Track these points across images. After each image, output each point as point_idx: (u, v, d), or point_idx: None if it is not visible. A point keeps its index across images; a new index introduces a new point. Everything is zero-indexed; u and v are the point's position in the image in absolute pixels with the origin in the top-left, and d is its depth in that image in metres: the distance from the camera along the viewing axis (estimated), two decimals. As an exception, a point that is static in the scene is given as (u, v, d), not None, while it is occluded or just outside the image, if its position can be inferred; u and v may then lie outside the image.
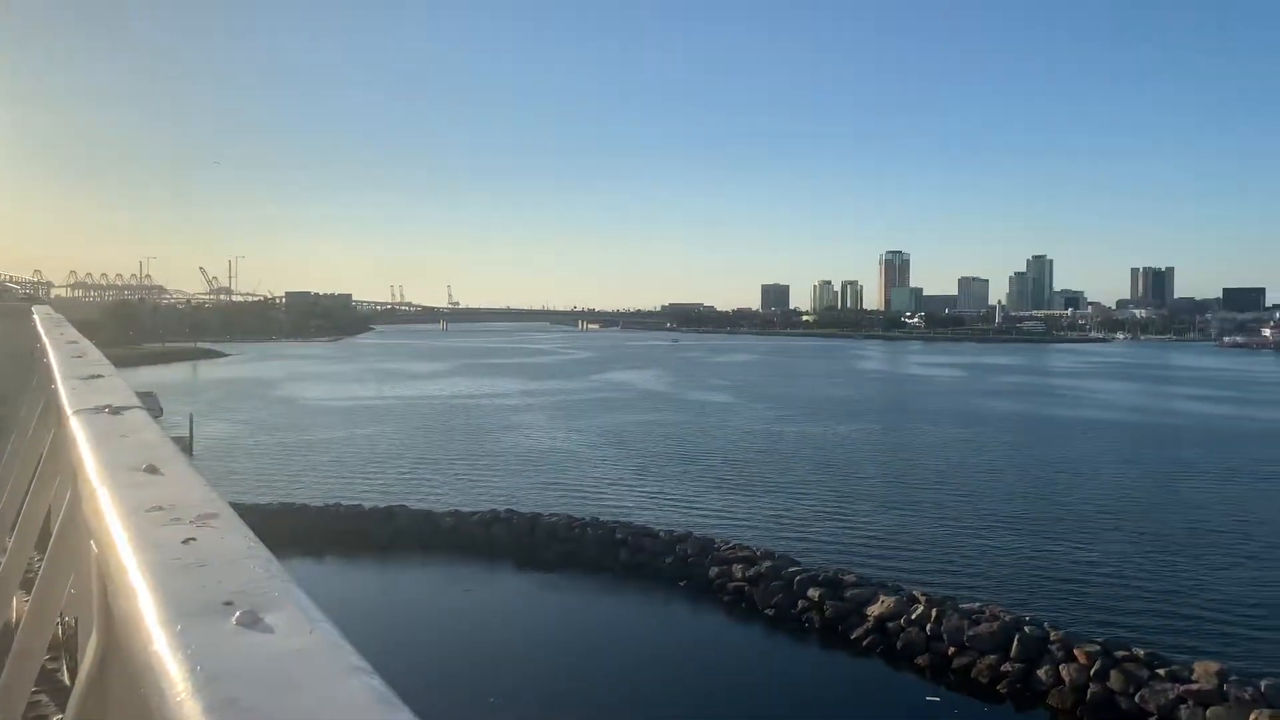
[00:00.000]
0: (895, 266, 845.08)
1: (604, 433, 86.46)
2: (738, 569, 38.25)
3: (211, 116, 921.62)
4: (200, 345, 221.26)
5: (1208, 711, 24.96)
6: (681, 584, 38.76)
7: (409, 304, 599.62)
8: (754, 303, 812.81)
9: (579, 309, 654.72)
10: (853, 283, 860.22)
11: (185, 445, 67.81)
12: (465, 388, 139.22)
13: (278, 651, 1.36)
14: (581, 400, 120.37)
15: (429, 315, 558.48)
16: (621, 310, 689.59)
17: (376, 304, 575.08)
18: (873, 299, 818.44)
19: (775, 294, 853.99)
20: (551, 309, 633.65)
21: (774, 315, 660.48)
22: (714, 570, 38.81)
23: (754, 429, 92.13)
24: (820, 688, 28.92)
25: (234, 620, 1.44)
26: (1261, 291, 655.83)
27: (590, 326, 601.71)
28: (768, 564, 38.29)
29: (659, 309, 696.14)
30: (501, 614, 35.56)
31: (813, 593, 35.31)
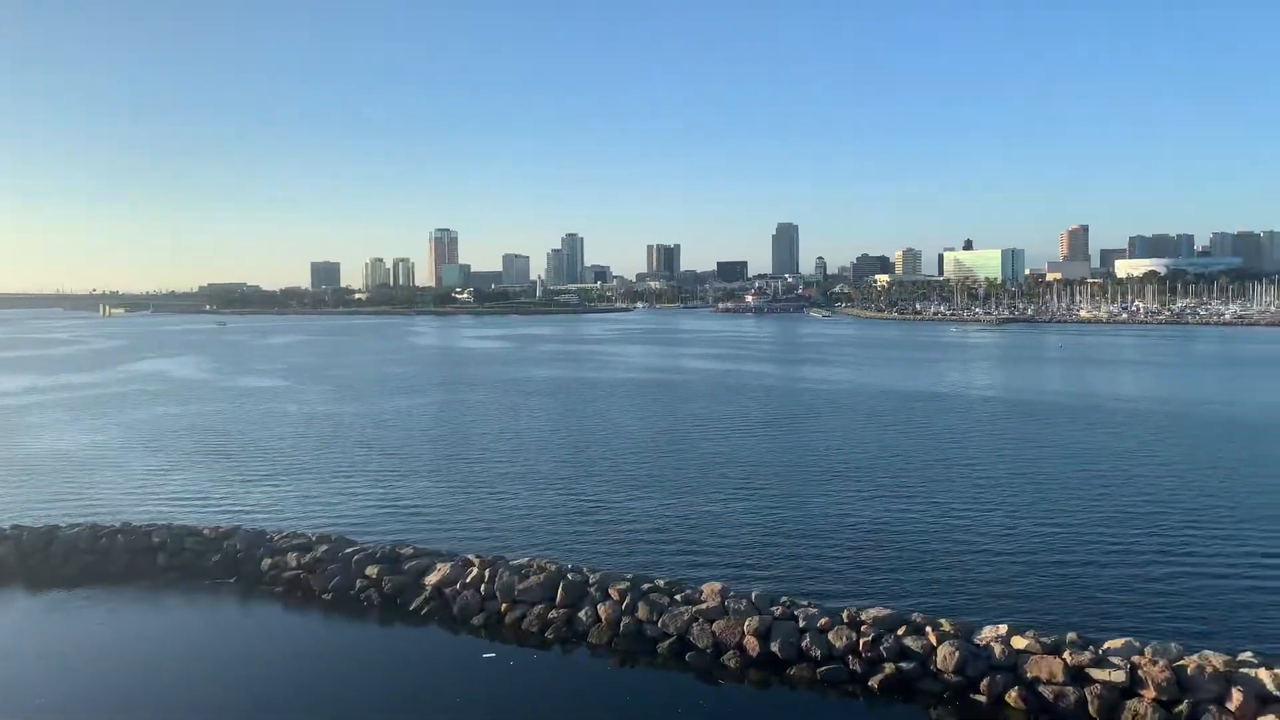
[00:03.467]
0: (445, 244, 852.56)
1: (135, 429, 77.04)
2: (293, 557, 36.23)
3: None
4: None
5: (714, 625, 28.43)
6: (232, 581, 35.86)
7: None
8: (303, 281, 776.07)
9: (101, 292, 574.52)
10: (404, 260, 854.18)
11: None
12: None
13: None
14: (107, 395, 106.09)
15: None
16: (152, 293, 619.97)
17: None
18: (424, 276, 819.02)
19: (326, 272, 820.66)
20: (67, 293, 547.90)
21: (325, 294, 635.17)
22: (267, 562, 36.40)
23: (309, 412, 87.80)
24: (379, 662, 28.36)
25: None
26: (745, 264, 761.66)
27: (114, 311, 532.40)
28: (324, 548, 36.73)
29: (197, 290, 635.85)
30: (6, 644, 30.20)
31: (371, 570, 34.54)
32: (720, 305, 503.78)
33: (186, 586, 35.59)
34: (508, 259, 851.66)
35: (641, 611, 29.55)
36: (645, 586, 31.09)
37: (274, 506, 48.11)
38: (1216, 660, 23.56)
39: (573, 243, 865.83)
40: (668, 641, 28.40)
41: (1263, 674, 22.76)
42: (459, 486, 52.38)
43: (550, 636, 29.83)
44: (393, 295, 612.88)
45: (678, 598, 30.20)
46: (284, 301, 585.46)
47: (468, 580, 32.98)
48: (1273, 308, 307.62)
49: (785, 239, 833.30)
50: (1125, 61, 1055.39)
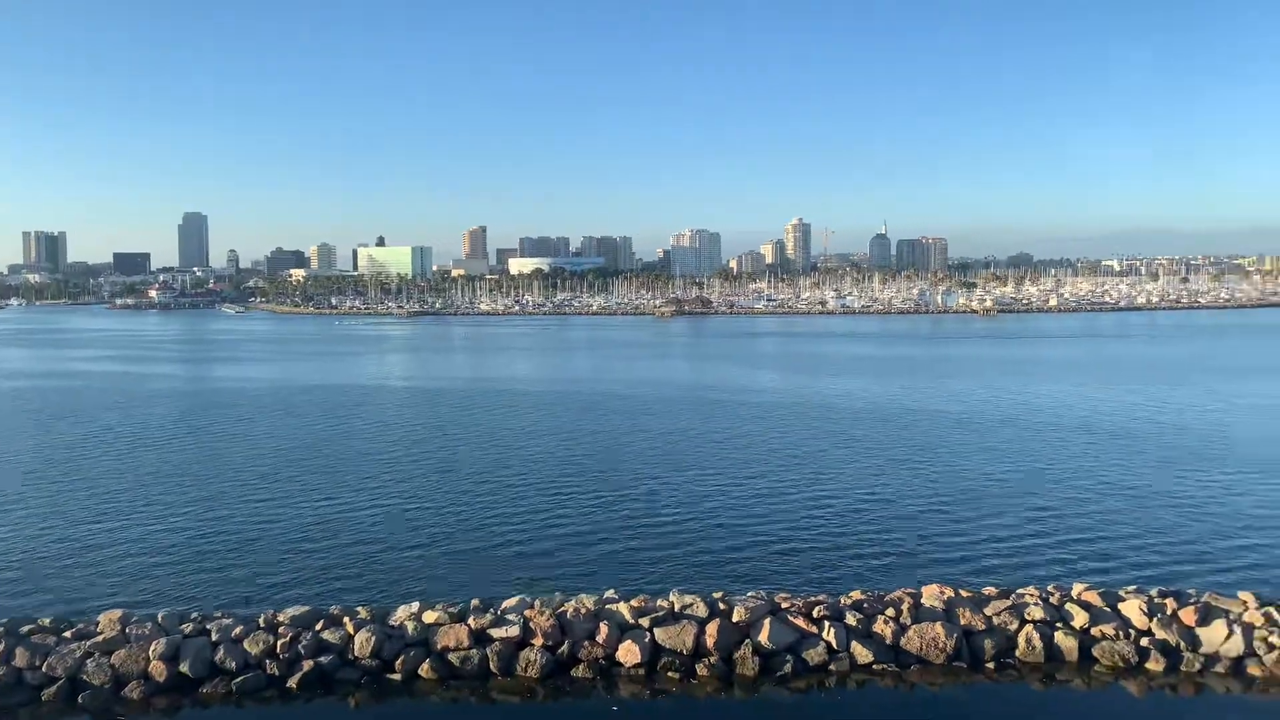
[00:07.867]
0: None
1: None
2: None
3: None
4: None
5: (112, 657, 24.88)
6: None
7: None
8: None
9: None
10: None
11: None
12: None
13: None
14: None
15: None
16: None
17: None
18: None
19: None
20: None
21: None
22: None
23: None
24: None
25: None
26: (148, 256, 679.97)
27: None
28: None
29: None
30: None
31: None
32: (119, 302, 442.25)
33: None
34: None
35: (20, 658, 24.81)
36: (25, 629, 26.13)
37: None
38: (589, 602, 27.21)
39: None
40: (55, 686, 24.27)
41: (622, 608, 26.86)
42: None
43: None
44: None
45: (67, 635, 25.92)
46: None
47: None
48: (627, 300, 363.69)
49: (193, 230, 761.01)
50: (524, 81, 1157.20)
